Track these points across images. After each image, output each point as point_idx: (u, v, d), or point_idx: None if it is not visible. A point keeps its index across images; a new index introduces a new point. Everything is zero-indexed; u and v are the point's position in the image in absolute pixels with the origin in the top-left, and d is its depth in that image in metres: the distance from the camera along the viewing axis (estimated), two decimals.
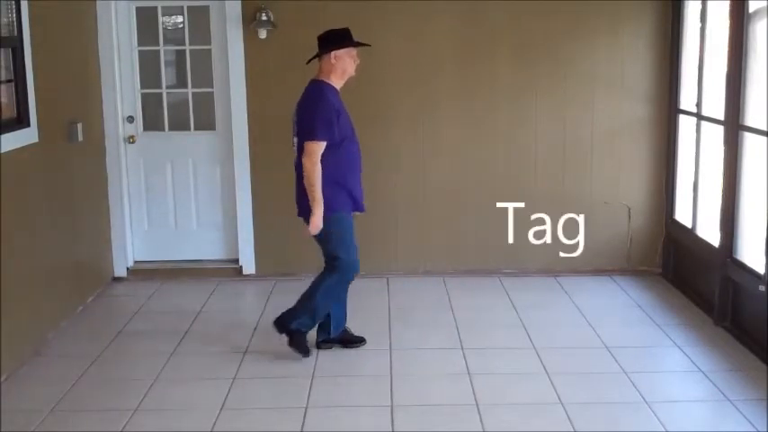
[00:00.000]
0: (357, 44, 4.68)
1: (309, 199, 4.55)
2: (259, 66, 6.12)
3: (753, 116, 4.92)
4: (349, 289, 5.96)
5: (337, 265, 4.71)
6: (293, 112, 4.75)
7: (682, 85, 6.02)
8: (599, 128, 6.22)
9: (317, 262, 6.30)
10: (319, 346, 4.90)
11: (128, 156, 6.33)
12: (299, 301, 4.79)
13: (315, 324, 4.83)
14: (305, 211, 4.68)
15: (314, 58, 4.69)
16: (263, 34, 6.03)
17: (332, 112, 4.53)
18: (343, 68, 4.64)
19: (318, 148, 4.51)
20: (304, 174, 4.54)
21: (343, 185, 4.63)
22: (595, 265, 6.34)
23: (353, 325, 5.32)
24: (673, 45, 6.05)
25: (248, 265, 6.35)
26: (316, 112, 4.53)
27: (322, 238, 4.67)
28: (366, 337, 5.09)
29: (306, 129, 4.56)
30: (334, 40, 4.62)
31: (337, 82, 4.67)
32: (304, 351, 4.78)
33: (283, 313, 4.81)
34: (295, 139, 4.69)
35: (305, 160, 4.53)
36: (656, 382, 4.45)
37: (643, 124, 6.21)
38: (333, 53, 4.60)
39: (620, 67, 6.15)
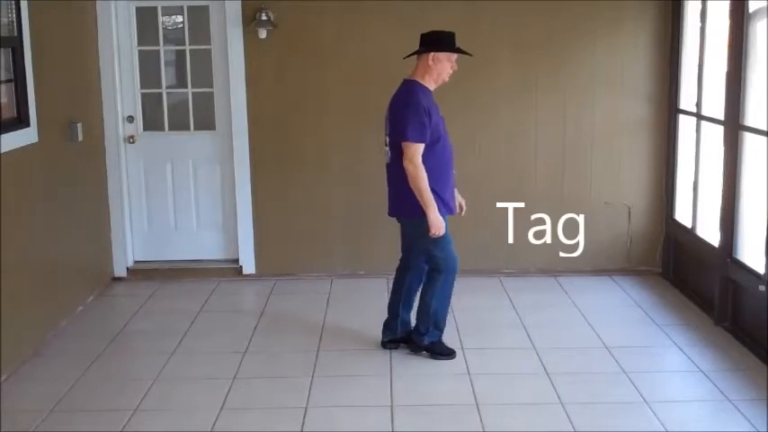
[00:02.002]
0: (459, 51, 4.58)
1: (420, 202, 4.46)
2: (259, 66, 6.12)
3: (753, 116, 4.92)
4: (352, 288, 5.98)
5: (438, 264, 4.65)
6: (386, 111, 4.67)
7: (682, 85, 6.01)
8: (599, 128, 6.22)
9: (316, 262, 6.36)
10: (385, 345, 4.88)
11: (128, 156, 6.33)
12: (418, 318, 4.78)
13: (443, 330, 4.80)
14: (397, 211, 4.66)
15: (412, 54, 4.62)
16: (263, 34, 6.03)
17: (423, 114, 4.45)
18: (438, 72, 4.56)
19: (417, 149, 4.43)
20: (409, 177, 4.45)
21: (437, 187, 4.52)
22: (595, 265, 6.34)
23: (353, 325, 5.32)
24: (673, 45, 6.05)
25: (248, 265, 6.35)
26: (408, 114, 4.45)
27: (419, 239, 4.63)
28: (366, 337, 5.09)
29: (400, 131, 4.48)
30: (437, 41, 4.54)
31: (430, 84, 4.60)
32: (448, 353, 4.77)
33: (411, 335, 4.82)
34: (387, 139, 4.62)
35: (406, 164, 4.44)
36: (656, 382, 4.45)
37: (643, 124, 6.22)
38: (432, 54, 4.52)
39: (620, 67, 6.15)
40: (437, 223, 4.49)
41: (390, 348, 4.87)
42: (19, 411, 4.16)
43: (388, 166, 4.65)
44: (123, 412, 4.14)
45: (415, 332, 4.82)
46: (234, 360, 4.79)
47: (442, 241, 4.60)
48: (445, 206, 4.61)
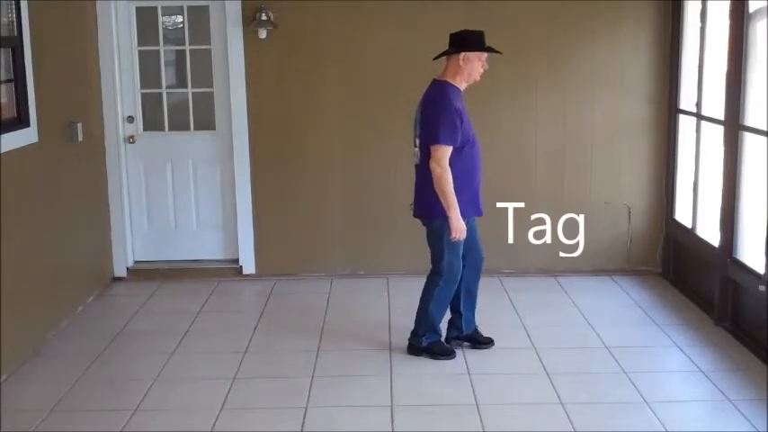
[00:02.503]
0: (489, 50, 4.54)
1: (444, 204, 4.45)
2: (259, 66, 6.12)
3: (753, 116, 4.92)
4: (352, 288, 5.96)
5: (442, 268, 4.63)
6: (415, 112, 4.65)
7: (682, 85, 6.01)
8: (599, 128, 6.22)
9: (316, 262, 6.36)
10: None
11: (128, 156, 6.32)
12: (417, 319, 4.77)
13: (440, 332, 4.80)
14: (423, 211, 4.64)
15: (441, 55, 4.58)
16: (263, 34, 6.03)
17: (455, 116, 4.44)
18: (470, 72, 4.53)
19: (446, 152, 4.42)
20: (434, 179, 4.44)
21: (463, 191, 4.51)
22: (595, 265, 6.34)
23: (353, 325, 5.32)
24: (673, 45, 6.05)
25: (248, 265, 6.35)
26: (439, 116, 4.43)
27: (434, 239, 4.62)
28: (366, 337, 5.10)
29: (430, 132, 4.46)
30: (467, 41, 4.51)
31: (461, 84, 4.57)
32: (449, 353, 4.75)
33: (409, 339, 4.81)
34: (417, 141, 4.60)
35: (433, 165, 4.43)
36: (656, 382, 4.45)
37: (643, 124, 6.22)
38: (462, 54, 4.49)
39: (620, 67, 6.15)
40: (459, 226, 4.49)
41: (456, 345, 4.84)
42: (19, 411, 4.16)
43: (417, 167, 4.64)
44: (123, 412, 4.14)
45: (412, 334, 4.82)
46: (234, 360, 4.79)
47: (455, 246, 4.60)
48: (474, 208, 4.63)
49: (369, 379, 4.53)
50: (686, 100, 5.97)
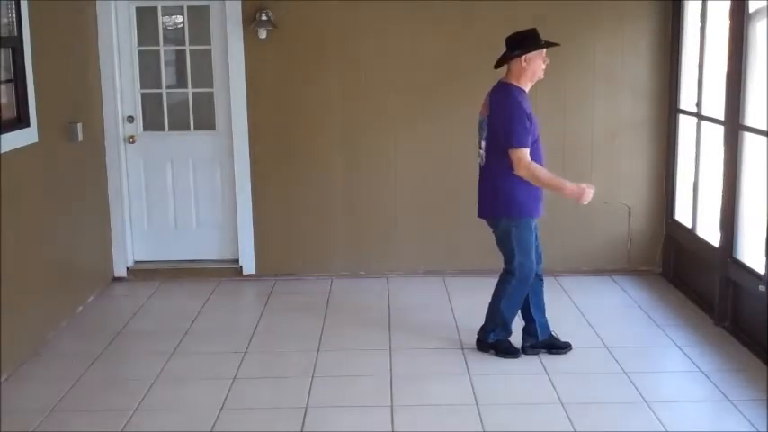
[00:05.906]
0: (548, 45, 4.58)
1: (553, 190, 4.54)
2: (259, 66, 6.12)
3: (753, 116, 4.92)
4: (352, 288, 5.95)
5: (515, 268, 4.67)
6: (484, 114, 4.66)
7: (682, 85, 6.01)
8: (599, 128, 6.22)
9: (316, 262, 6.36)
10: (525, 350, 4.82)
11: (128, 156, 6.32)
12: (488, 315, 4.82)
13: (509, 330, 4.82)
14: (486, 212, 4.69)
15: (502, 61, 4.60)
16: (263, 34, 6.03)
17: (526, 119, 4.47)
18: (533, 71, 4.56)
19: (524, 153, 4.46)
20: (530, 180, 4.48)
21: (531, 189, 4.56)
22: (595, 265, 6.34)
23: (353, 325, 5.32)
24: (673, 45, 6.05)
25: (248, 265, 6.35)
26: (512, 119, 4.47)
27: (505, 239, 4.64)
28: (366, 337, 5.10)
29: (504, 135, 4.49)
30: (525, 42, 4.54)
31: (526, 84, 4.60)
32: (514, 352, 4.79)
33: (478, 332, 4.86)
34: (483, 143, 4.63)
35: (519, 171, 4.46)
36: (656, 382, 4.46)
37: (643, 124, 6.22)
38: (524, 56, 4.52)
39: (621, 67, 6.15)
40: (577, 192, 4.55)
41: (530, 353, 4.80)
42: (19, 411, 4.16)
43: (482, 169, 4.68)
44: (123, 412, 4.14)
45: (482, 329, 4.85)
46: (234, 360, 4.79)
47: (525, 246, 4.63)
48: (536, 209, 4.65)
49: (369, 379, 4.53)
50: (686, 100, 5.97)
